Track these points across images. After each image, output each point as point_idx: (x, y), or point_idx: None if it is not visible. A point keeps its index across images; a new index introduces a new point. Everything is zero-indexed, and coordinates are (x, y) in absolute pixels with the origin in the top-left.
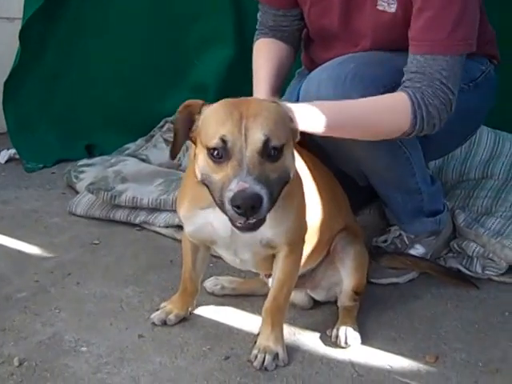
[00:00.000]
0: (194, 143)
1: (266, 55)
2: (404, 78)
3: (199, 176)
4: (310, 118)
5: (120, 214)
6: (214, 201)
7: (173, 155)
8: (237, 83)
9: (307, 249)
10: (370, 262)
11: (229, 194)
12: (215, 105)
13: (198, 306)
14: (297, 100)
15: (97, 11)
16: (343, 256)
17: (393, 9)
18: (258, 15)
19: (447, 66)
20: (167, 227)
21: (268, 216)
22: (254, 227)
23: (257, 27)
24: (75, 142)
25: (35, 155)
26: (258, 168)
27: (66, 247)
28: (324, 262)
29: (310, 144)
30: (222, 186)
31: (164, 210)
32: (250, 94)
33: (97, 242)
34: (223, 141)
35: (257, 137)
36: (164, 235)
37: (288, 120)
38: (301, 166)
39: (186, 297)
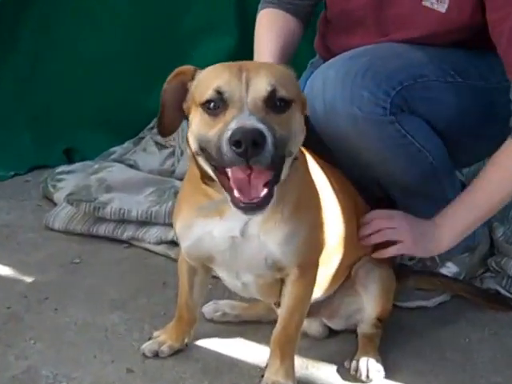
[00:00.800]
0: (187, 117)
1: (270, 27)
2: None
3: (194, 145)
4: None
5: (104, 229)
6: (214, 171)
7: (162, 132)
8: None
9: (324, 273)
10: (395, 283)
11: (227, 134)
12: (211, 66)
13: (195, 335)
14: None
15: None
16: (366, 282)
17: (443, 8)
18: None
19: None
20: (159, 244)
21: (276, 227)
22: (259, 206)
23: None
24: (52, 145)
25: (6, 161)
26: (261, 112)
27: (43, 267)
28: (343, 286)
29: (324, 153)
30: (220, 135)
31: (155, 224)
32: None
33: (77, 260)
34: (218, 92)
35: (261, 86)
36: (155, 253)
37: (297, 83)
38: (319, 175)
39: (181, 326)
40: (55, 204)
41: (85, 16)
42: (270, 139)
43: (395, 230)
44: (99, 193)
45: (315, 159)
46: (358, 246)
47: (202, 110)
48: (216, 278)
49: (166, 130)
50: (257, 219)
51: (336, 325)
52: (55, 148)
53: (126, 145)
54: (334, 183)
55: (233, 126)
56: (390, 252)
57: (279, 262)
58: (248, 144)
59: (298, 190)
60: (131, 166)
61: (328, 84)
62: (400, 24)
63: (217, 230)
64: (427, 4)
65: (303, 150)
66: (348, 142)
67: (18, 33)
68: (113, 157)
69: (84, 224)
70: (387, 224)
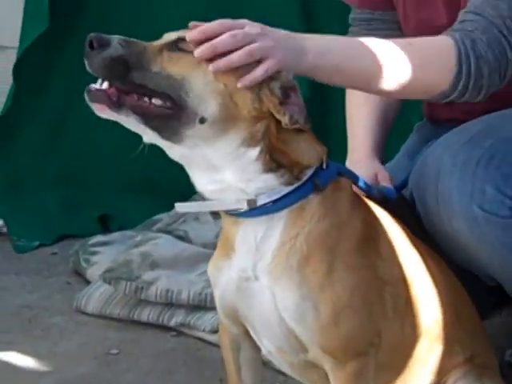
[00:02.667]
0: None
1: (369, 97)
2: (456, 20)
3: None
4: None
5: (148, 314)
6: None
7: None
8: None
9: (388, 374)
10: None
11: None
12: None
13: None
14: (405, 182)
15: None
16: None
17: None
18: (348, 32)
19: None
20: (215, 332)
21: (284, 276)
22: (103, 96)
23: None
24: (84, 211)
25: (29, 229)
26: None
27: (73, 359)
28: None
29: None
30: None
31: (211, 309)
32: (329, 124)
33: (115, 351)
34: None
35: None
36: (210, 343)
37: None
38: (401, 243)
39: None
40: (88, 282)
41: None
42: (113, 47)
43: (260, 45)
44: (142, 270)
45: (406, 233)
46: (448, 347)
47: None
48: (284, 374)
49: None
50: (265, 259)
51: None
52: (88, 214)
53: (173, 212)
54: (428, 260)
55: None
56: (259, 73)
57: (299, 337)
58: (86, 45)
59: (330, 232)
60: (181, 238)
61: (443, 174)
62: None
63: (233, 272)
64: None
65: (356, 191)
66: (462, 243)
67: (47, 82)
68: (158, 226)
69: (123, 307)
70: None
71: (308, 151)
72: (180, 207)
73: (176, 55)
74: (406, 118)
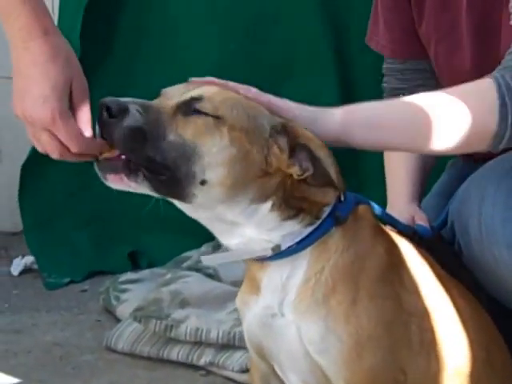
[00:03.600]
0: None
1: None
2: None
3: None
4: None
5: (178, 352)
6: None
7: None
8: None
9: None
10: None
11: None
12: None
13: None
14: (443, 222)
15: (145, 66)
16: None
17: None
18: (383, 82)
19: None
20: (243, 372)
21: (309, 311)
22: (118, 165)
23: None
24: (114, 247)
25: (60, 265)
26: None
27: None
28: None
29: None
30: None
31: (240, 348)
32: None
33: None
34: None
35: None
36: (240, 383)
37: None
38: (429, 278)
39: None
40: (118, 319)
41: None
42: (131, 115)
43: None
44: (172, 308)
45: (433, 267)
46: None
47: None
48: None
49: None
50: (290, 296)
51: None
52: (118, 251)
53: (203, 249)
54: (456, 296)
55: None
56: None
57: (322, 368)
58: (101, 111)
59: (354, 262)
60: (211, 276)
61: (486, 201)
62: None
63: (259, 309)
64: None
65: (376, 223)
66: (502, 273)
67: None
68: (188, 263)
69: (153, 346)
70: None
71: (325, 189)
72: (206, 260)
73: (191, 119)
74: (438, 157)
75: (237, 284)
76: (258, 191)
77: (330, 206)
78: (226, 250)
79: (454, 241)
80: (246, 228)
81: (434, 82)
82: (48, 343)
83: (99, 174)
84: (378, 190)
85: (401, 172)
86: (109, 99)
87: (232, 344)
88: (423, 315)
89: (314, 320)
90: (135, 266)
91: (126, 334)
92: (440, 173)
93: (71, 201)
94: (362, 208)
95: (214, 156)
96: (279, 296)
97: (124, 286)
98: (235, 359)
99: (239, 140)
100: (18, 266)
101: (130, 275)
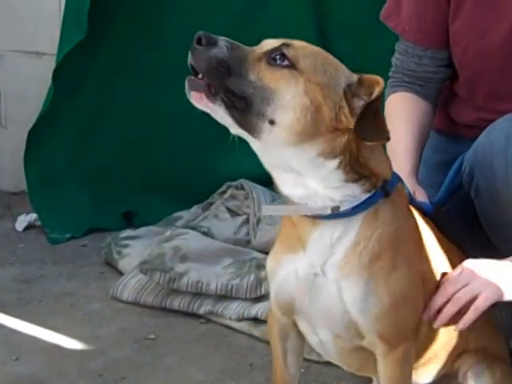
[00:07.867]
0: None
1: (406, 119)
2: None
3: None
4: None
5: (179, 302)
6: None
7: None
8: None
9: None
10: None
11: None
12: None
13: None
14: (440, 199)
15: (146, 48)
16: None
17: None
18: (394, 58)
19: None
20: (241, 320)
21: (353, 274)
22: (201, 85)
23: (390, 74)
24: (111, 207)
25: (61, 222)
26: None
27: (115, 342)
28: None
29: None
30: None
31: (236, 298)
32: None
33: (153, 336)
34: None
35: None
36: (236, 330)
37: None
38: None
39: None
40: (119, 272)
41: (151, 71)
42: (219, 48)
43: (467, 287)
44: (174, 262)
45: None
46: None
47: None
48: (309, 360)
49: None
50: (336, 256)
51: None
52: (114, 210)
53: (193, 210)
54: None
55: None
56: (470, 317)
57: (357, 324)
58: (194, 41)
59: (397, 232)
60: (205, 234)
61: None
62: None
63: (300, 267)
64: None
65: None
66: None
67: (82, 85)
68: (180, 222)
69: (156, 296)
70: (455, 286)
71: (382, 163)
72: (266, 210)
73: (273, 68)
74: None
75: (228, 241)
76: (325, 145)
77: (388, 180)
78: (285, 202)
79: (471, 186)
80: (311, 180)
81: (446, 71)
82: (57, 293)
83: (186, 89)
84: None
85: (400, 148)
86: (203, 32)
87: (229, 295)
88: (430, 278)
89: (357, 281)
90: (129, 224)
91: (130, 285)
92: None
93: (73, 162)
94: (400, 186)
95: (286, 101)
96: (325, 254)
97: (125, 242)
98: (232, 309)
99: (313, 92)
100: (22, 222)
101: (129, 232)
